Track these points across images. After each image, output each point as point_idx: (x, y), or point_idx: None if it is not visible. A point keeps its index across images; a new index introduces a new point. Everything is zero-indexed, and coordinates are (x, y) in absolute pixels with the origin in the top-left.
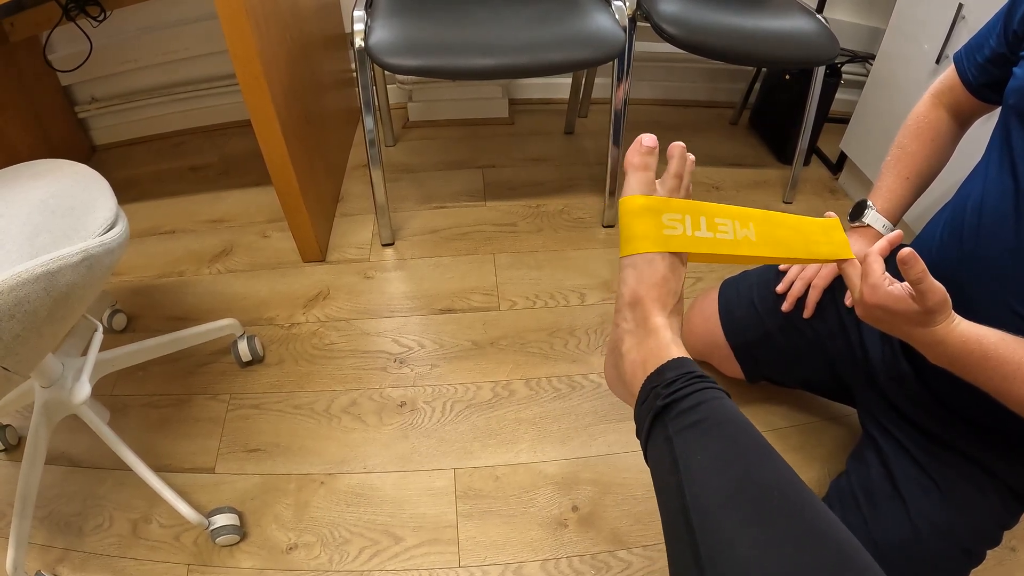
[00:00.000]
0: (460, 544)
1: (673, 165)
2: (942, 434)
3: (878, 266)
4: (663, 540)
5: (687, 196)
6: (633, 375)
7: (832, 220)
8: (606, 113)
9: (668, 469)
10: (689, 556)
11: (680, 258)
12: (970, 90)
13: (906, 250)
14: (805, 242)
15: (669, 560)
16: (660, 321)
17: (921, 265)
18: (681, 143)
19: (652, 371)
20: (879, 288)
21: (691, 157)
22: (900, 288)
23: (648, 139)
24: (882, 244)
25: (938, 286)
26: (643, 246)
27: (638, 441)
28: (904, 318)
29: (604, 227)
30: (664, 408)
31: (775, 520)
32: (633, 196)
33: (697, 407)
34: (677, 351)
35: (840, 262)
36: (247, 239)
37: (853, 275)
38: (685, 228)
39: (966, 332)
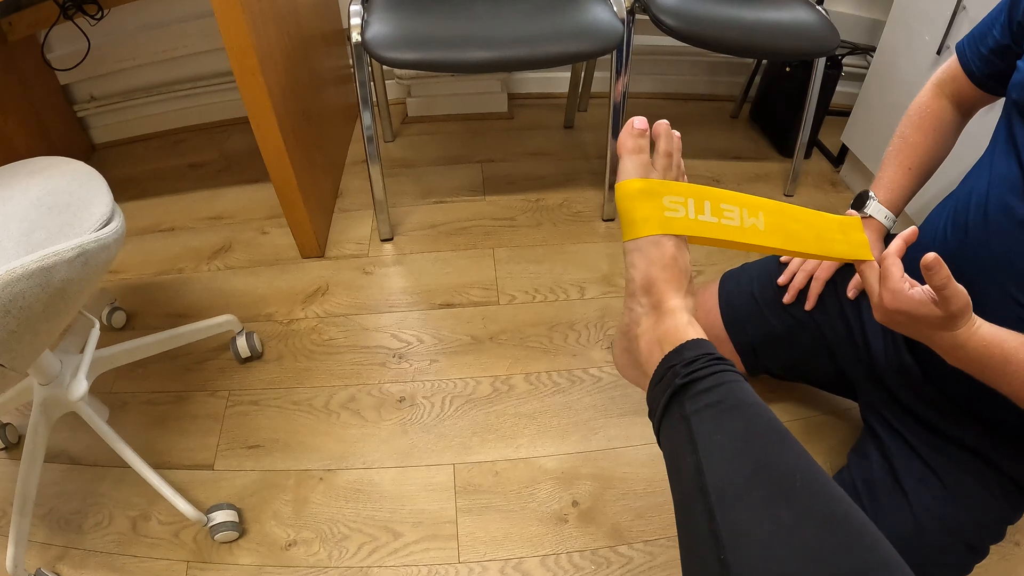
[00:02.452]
0: (459, 540)
1: (661, 144)
2: (945, 427)
3: (896, 269)
4: (664, 535)
5: (679, 175)
6: (650, 354)
7: (853, 218)
8: (605, 107)
9: (685, 448)
10: (707, 536)
11: (683, 241)
12: (973, 80)
13: (930, 255)
14: (818, 238)
15: (681, 544)
16: (676, 303)
17: (946, 270)
18: (665, 121)
19: (670, 350)
20: (900, 293)
21: (676, 134)
22: (921, 292)
23: (639, 121)
24: (898, 244)
25: (961, 290)
26: (647, 229)
27: (639, 435)
28: (925, 323)
29: (604, 221)
30: (683, 387)
31: (796, 502)
32: (630, 180)
33: (717, 388)
34: (695, 332)
35: (857, 263)
36: (246, 235)
37: (871, 278)
38: (688, 211)
39: (987, 336)
